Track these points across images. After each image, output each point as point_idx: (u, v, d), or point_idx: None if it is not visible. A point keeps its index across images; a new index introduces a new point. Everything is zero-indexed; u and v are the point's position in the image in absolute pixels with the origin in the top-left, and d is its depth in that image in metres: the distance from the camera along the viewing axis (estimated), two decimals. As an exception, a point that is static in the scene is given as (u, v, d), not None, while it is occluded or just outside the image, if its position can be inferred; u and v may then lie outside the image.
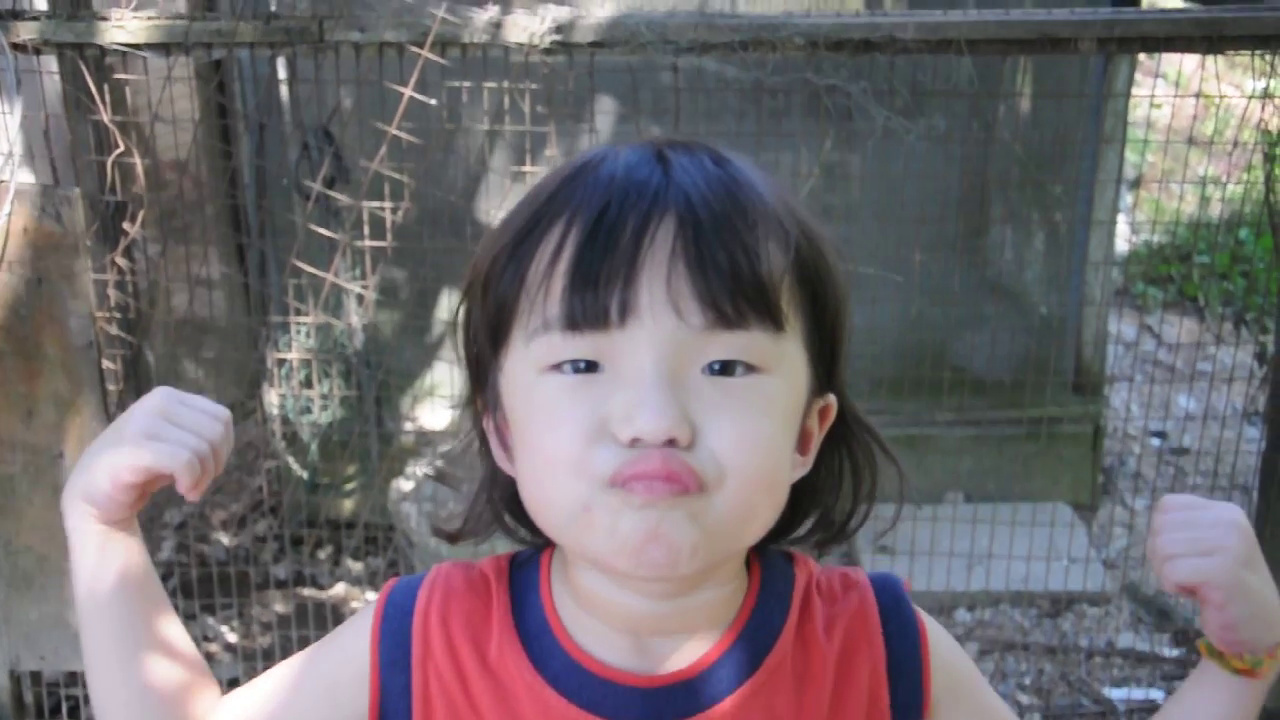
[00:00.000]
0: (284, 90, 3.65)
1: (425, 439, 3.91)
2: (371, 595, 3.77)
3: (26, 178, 2.72)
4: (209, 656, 1.09)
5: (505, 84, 2.84)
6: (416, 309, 4.05)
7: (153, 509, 3.73)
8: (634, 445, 0.89)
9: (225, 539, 4.02)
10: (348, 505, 4.12)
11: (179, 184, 3.28)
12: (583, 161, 0.98)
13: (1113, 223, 4.26)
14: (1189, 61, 2.96)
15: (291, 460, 3.59)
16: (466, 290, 1.02)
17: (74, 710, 3.09)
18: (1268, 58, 2.70)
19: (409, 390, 4.13)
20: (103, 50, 2.65)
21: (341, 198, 3.09)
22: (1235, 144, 3.08)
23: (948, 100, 3.50)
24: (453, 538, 1.11)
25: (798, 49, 2.64)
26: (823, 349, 1.00)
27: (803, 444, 1.01)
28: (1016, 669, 3.57)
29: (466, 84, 2.91)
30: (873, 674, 1.05)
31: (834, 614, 1.05)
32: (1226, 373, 3.57)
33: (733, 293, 0.91)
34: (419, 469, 3.57)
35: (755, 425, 0.92)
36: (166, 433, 1.03)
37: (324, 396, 3.47)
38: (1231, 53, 2.73)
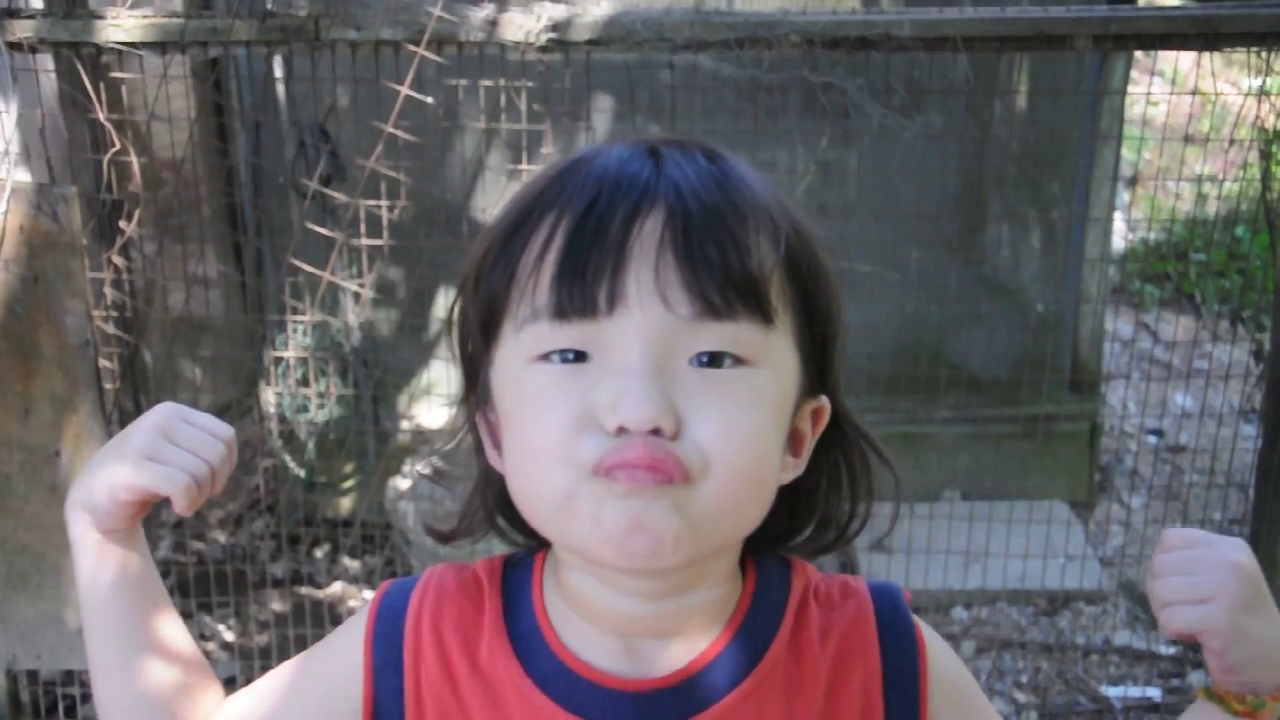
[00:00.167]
0: (280, 88, 3.64)
1: (422, 437, 3.91)
2: (368, 594, 3.77)
3: (23, 176, 2.72)
4: (206, 655, 1.10)
5: (502, 82, 2.83)
6: (413, 307, 4.05)
7: (151, 508, 3.72)
8: (620, 434, 0.89)
9: (222, 537, 4.02)
10: (345, 504, 4.12)
11: (175, 182, 3.28)
12: (575, 157, 0.98)
13: (1109, 220, 4.26)
14: (1186, 59, 2.96)
15: (289, 459, 3.59)
16: (460, 286, 1.03)
17: (70, 709, 3.09)
18: (1264, 55, 2.70)
19: (406, 389, 4.13)
20: (99, 48, 2.65)
21: (338, 196, 3.10)
22: (1232, 141, 3.08)
23: (944, 98, 3.50)
24: (446, 538, 1.11)
25: (794, 47, 2.64)
26: (814, 348, 1.00)
27: (795, 446, 1.01)
28: (1014, 667, 3.57)
29: (463, 82, 2.91)
30: (866, 685, 1.04)
31: (830, 622, 1.05)
32: (1223, 370, 3.57)
33: (721, 284, 0.91)
34: (416, 467, 3.57)
35: (742, 417, 0.91)
36: (166, 454, 1.03)
37: (321, 395, 3.47)
38: (1228, 50, 2.73)
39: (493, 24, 2.63)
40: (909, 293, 3.45)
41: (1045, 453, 4.19)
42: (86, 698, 3.09)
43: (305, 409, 3.51)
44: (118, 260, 2.92)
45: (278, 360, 3.33)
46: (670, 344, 0.91)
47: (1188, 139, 3.11)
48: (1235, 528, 3.72)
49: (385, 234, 2.95)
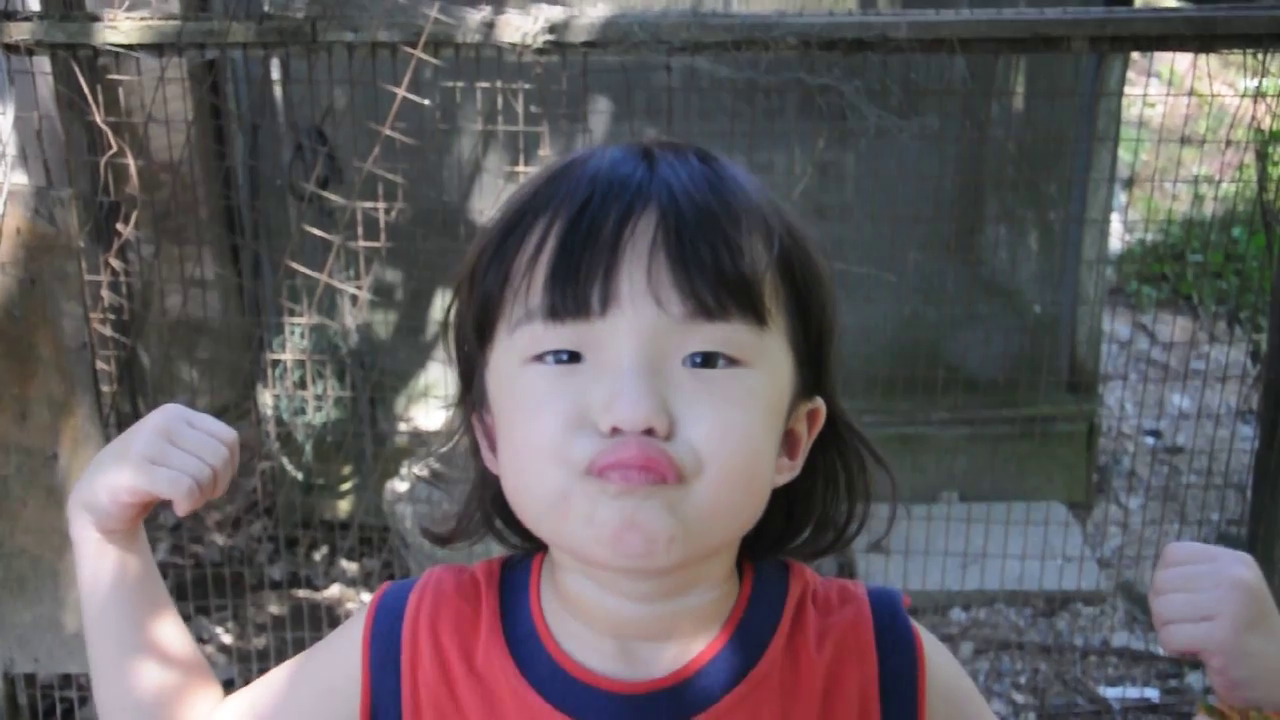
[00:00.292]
0: (277, 91, 3.64)
1: (420, 439, 3.91)
2: (366, 596, 3.77)
3: (20, 179, 2.71)
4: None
5: (499, 84, 2.84)
6: (410, 309, 4.05)
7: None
8: (613, 435, 0.89)
9: (220, 540, 4.02)
10: (343, 506, 4.12)
11: (173, 185, 3.28)
12: (569, 160, 0.99)
13: (1106, 221, 4.26)
14: (1182, 60, 2.97)
15: (286, 461, 3.59)
16: (455, 289, 1.03)
17: (68, 712, 3.08)
18: (1260, 56, 2.70)
19: (403, 391, 4.13)
20: (96, 51, 2.65)
21: (335, 198, 3.09)
22: (1228, 143, 3.08)
23: (941, 99, 3.50)
24: (444, 540, 1.11)
25: (791, 48, 2.64)
26: (809, 349, 1.00)
27: (791, 448, 1.01)
28: (1012, 668, 3.57)
29: (460, 84, 2.91)
30: (864, 690, 1.03)
31: (827, 626, 1.04)
32: (1220, 371, 3.58)
33: (714, 284, 0.91)
34: (414, 470, 3.57)
35: (735, 417, 0.92)
36: (169, 457, 1.04)
37: (318, 397, 3.47)
38: (1224, 51, 2.73)
39: (490, 26, 2.63)
40: (906, 294, 3.45)
41: (1043, 454, 4.19)
42: (85, 701, 3.09)
43: (303, 411, 3.51)
44: (115, 263, 2.91)
45: (275, 362, 3.32)
46: (663, 344, 0.91)
47: (1184, 140, 3.11)
48: (1233, 529, 3.72)
49: (383, 236, 2.95)
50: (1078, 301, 4.22)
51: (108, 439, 2.77)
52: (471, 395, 1.03)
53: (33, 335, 2.54)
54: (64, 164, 2.94)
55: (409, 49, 2.63)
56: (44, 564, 2.62)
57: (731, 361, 0.92)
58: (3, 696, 2.80)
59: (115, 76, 2.78)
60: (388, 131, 2.76)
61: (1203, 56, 2.75)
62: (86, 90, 2.67)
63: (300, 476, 3.68)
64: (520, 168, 2.97)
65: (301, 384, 3.45)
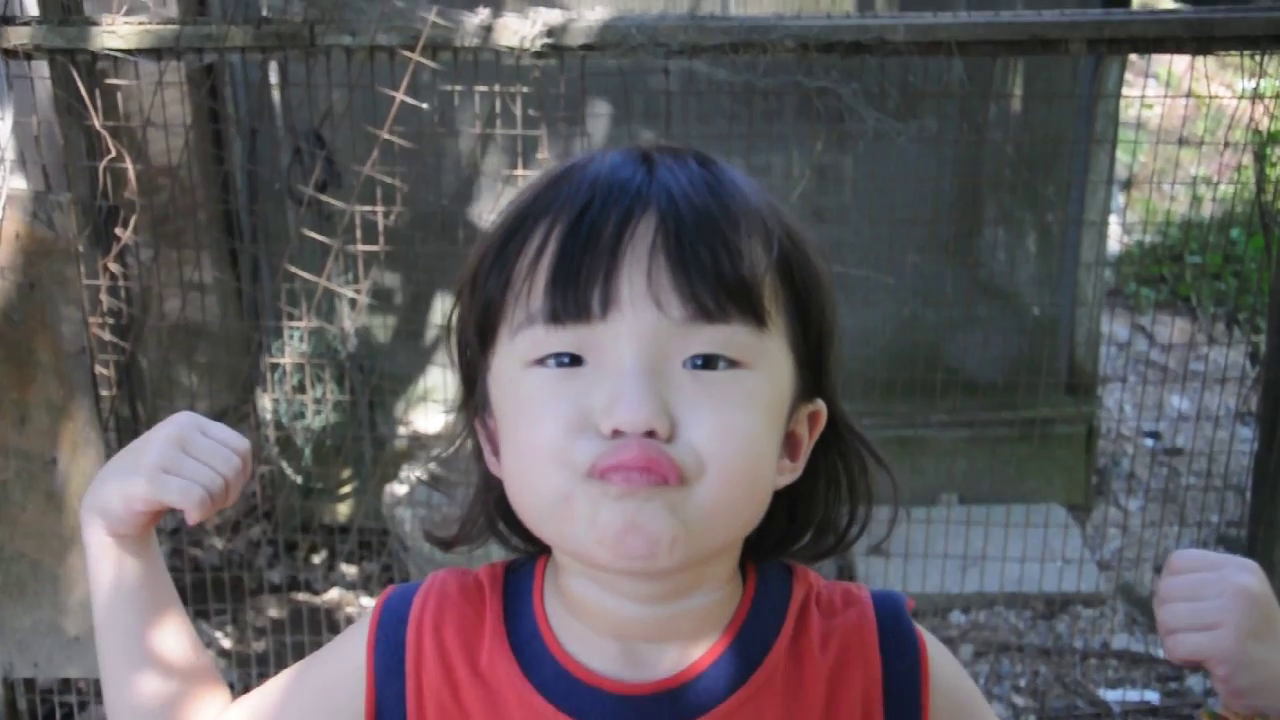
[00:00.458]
0: (275, 95, 3.64)
1: (419, 443, 3.90)
2: (366, 600, 3.77)
3: (19, 183, 2.71)
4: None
5: (497, 87, 2.84)
6: (409, 313, 4.05)
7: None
8: (615, 437, 0.89)
9: (219, 544, 4.02)
10: (342, 510, 4.12)
11: (171, 189, 3.28)
12: (568, 164, 0.99)
13: (1104, 223, 4.26)
14: (1180, 61, 2.97)
15: (285, 465, 3.59)
16: (457, 293, 1.03)
17: (68, 717, 3.08)
18: (1257, 58, 2.71)
19: (402, 394, 4.13)
20: (94, 55, 2.65)
21: (334, 202, 3.09)
22: (1226, 144, 3.08)
23: (939, 102, 3.50)
24: (447, 544, 1.12)
25: (788, 51, 2.64)
26: (809, 351, 1.00)
27: (793, 450, 1.01)
28: (1011, 671, 3.57)
29: (458, 88, 2.91)
30: (867, 692, 1.04)
31: (831, 628, 1.05)
32: (1219, 373, 3.58)
33: (714, 287, 0.91)
34: (413, 473, 3.57)
35: (736, 418, 0.92)
36: (182, 467, 1.04)
37: (317, 401, 3.47)
38: (1221, 53, 2.73)
39: (488, 29, 2.63)
40: (905, 297, 3.45)
41: (1042, 456, 4.19)
42: (84, 705, 3.09)
43: (302, 415, 3.51)
44: (114, 267, 2.91)
45: (274, 366, 3.32)
46: (664, 347, 0.91)
47: (1182, 142, 3.12)
48: (1232, 530, 3.72)
49: (381, 240, 2.95)
50: (1076, 303, 4.22)
51: (107, 444, 2.77)
52: (474, 400, 1.04)
53: (31, 340, 2.54)
54: (63, 168, 2.94)
55: (407, 53, 2.64)
56: (43, 568, 2.62)
57: (732, 363, 0.93)
58: (2, 701, 2.80)
59: (114, 81, 2.78)
60: (386, 135, 2.76)
61: (1200, 58, 2.75)
62: (85, 95, 2.67)
63: (299, 480, 3.68)
64: (519, 171, 2.97)
65: (301, 388, 3.44)
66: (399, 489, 3.54)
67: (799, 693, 1.01)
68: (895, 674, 1.05)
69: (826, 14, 2.94)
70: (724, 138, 3.14)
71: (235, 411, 3.72)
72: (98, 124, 2.71)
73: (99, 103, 2.72)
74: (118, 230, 2.89)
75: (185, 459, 1.05)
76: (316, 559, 4.00)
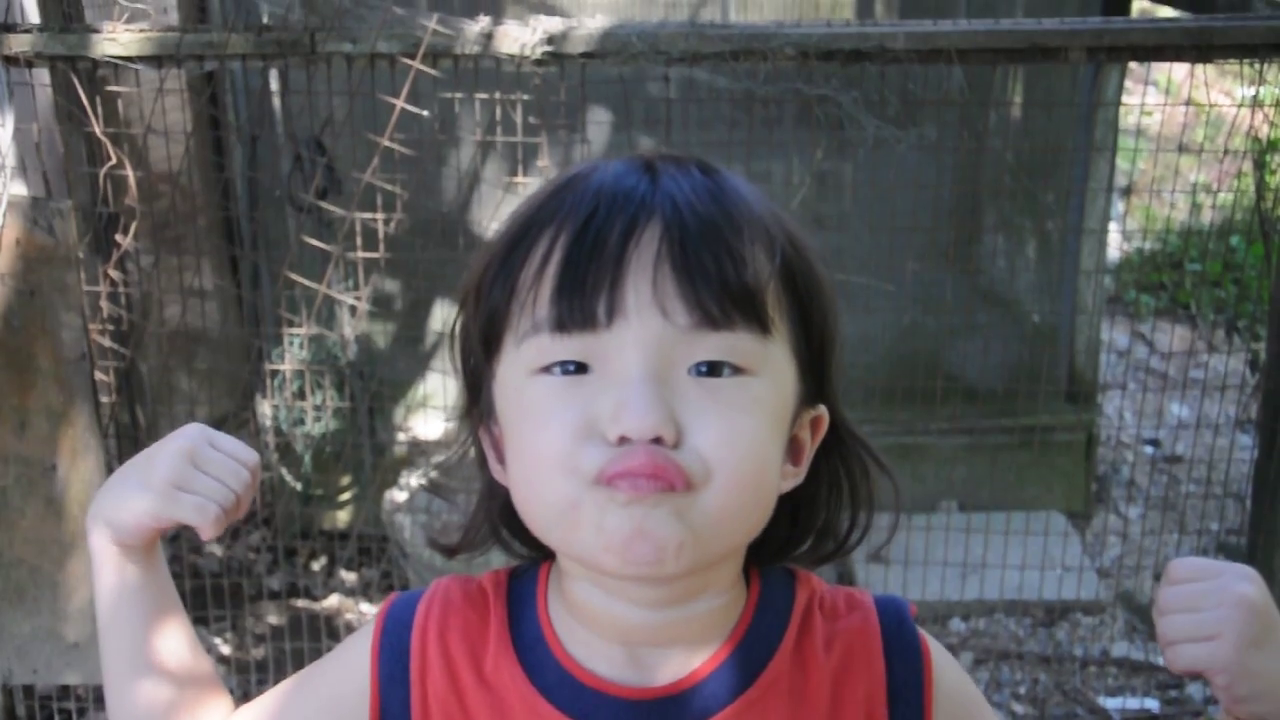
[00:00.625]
0: (276, 102, 3.65)
1: (419, 450, 3.90)
2: (365, 606, 3.76)
3: (19, 190, 2.72)
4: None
5: (497, 95, 2.84)
6: (409, 320, 4.05)
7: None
8: (621, 444, 0.90)
9: (219, 551, 4.02)
10: (342, 516, 4.11)
11: (172, 196, 3.28)
12: (572, 173, 1.00)
13: (1104, 231, 4.27)
14: (1179, 69, 2.97)
15: (285, 472, 3.59)
16: (460, 302, 1.04)
17: (67, 723, 3.08)
18: (1257, 65, 2.71)
19: (402, 401, 4.13)
20: (95, 63, 2.65)
21: (334, 209, 3.10)
22: (1226, 151, 3.08)
23: (939, 109, 3.50)
24: (450, 551, 1.12)
25: (789, 59, 2.65)
26: (812, 357, 1.01)
27: (795, 455, 1.02)
28: (1011, 679, 3.57)
29: (458, 95, 2.92)
30: (870, 696, 1.04)
31: (834, 632, 1.05)
32: (1219, 380, 3.58)
33: (718, 294, 0.92)
34: (413, 480, 3.57)
35: (742, 424, 0.92)
36: (194, 483, 1.05)
37: (317, 408, 3.47)
38: (1221, 61, 2.74)
39: (488, 37, 2.63)
40: (905, 304, 3.46)
41: (1042, 463, 4.19)
42: (83, 712, 3.09)
43: (302, 422, 3.51)
44: (114, 274, 2.92)
45: (274, 373, 3.32)
46: (669, 354, 0.92)
47: (1182, 149, 3.12)
48: (1232, 538, 3.72)
49: (381, 247, 2.95)
50: (1076, 311, 4.22)
51: (107, 450, 2.77)
52: (478, 407, 1.04)
53: (32, 346, 2.54)
54: (63, 175, 2.94)
55: (408, 60, 2.64)
56: (43, 575, 2.62)
57: (736, 370, 0.93)
58: (1, 708, 2.79)
59: (114, 88, 2.79)
60: (386, 142, 2.76)
61: (1200, 66, 2.76)
62: (86, 102, 2.68)
63: (299, 487, 3.68)
64: (519, 178, 2.98)
65: (300, 394, 3.44)
66: (399, 495, 3.54)
67: (803, 696, 1.02)
68: (899, 678, 1.05)
69: (826, 22, 2.94)
70: (724, 145, 3.15)
71: (235, 418, 3.72)
72: (98, 131, 2.72)
73: (100, 109, 2.72)
74: (118, 237, 2.90)
75: (197, 474, 1.05)
76: (316, 565, 4.00)
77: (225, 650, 3.53)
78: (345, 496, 4.10)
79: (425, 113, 2.83)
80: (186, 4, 3.60)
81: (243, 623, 3.65)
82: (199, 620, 3.49)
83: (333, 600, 3.84)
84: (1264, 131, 2.94)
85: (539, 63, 2.65)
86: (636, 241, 0.92)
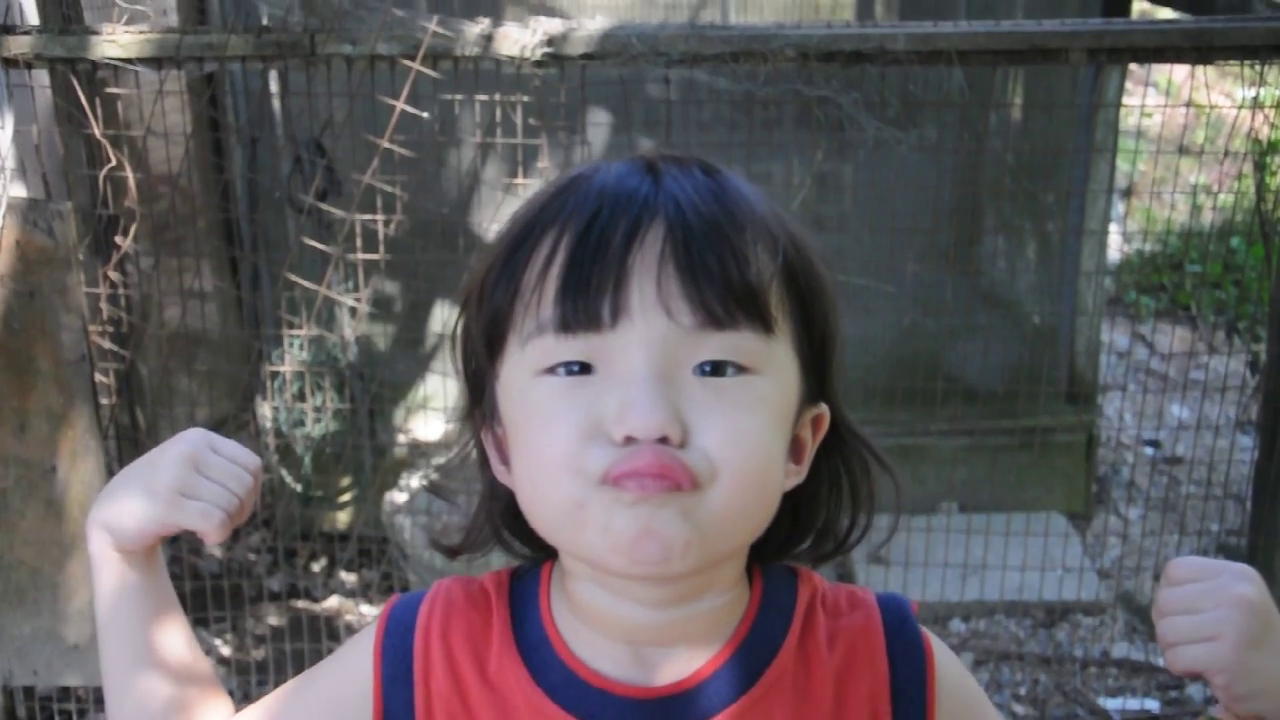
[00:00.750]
0: (276, 103, 3.65)
1: (419, 451, 3.90)
2: (365, 608, 3.76)
3: (18, 191, 2.72)
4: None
5: (497, 96, 2.84)
6: (409, 321, 4.05)
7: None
8: (627, 444, 0.90)
9: (218, 552, 4.01)
10: (342, 518, 4.11)
11: (171, 197, 3.28)
12: (575, 174, 1.00)
13: (1105, 232, 4.27)
14: (1179, 70, 2.97)
15: (285, 473, 3.59)
16: (462, 303, 1.04)
17: (67, 725, 3.08)
18: (1257, 67, 2.71)
19: (402, 402, 4.13)
20: (94, 64, 2.65)
21: (334, 210, 3.10)
22: (1226, 153, 3.08)
23: (939, 111, 3.50)
24: (453, 552, 1.12)
25: (789, 60, 2.65)
26: (813, 356, 1.01)
27: (797, 453, 1.02)
28: (1012, 679, 3.57)
29: (458, 97, 2.92)
30: (874, 693, 1.04)
31: (837, 629, 1.05)
32: (1219, 381, 3.58)
33: (722, 294, 0.92)
34: (413, 481, 3.57)
35: (746, 423, 0.93)
36: (199, 489, 1.05)
37: (317, 409, 3.47)
38: (1221, 62, 2.73)
39: (488, 39, 2.63)
40: (905, 305, 3.46)
41: (1042, 464, 4.19)
42: (84, 713, 3.09)
43: (302, 423, 3.51)
44: (113, 275, 2.92)
45: (274, 375, 3.32)
46: (674, 354, 0.92)
47: (1182, 150, 3.12)
48: (1232, 539, 3.72)
49: (381, 248, 2.95)
50: (1076, 312, 4.22)
51: (106, 452, 2.77)
52: (480, 408, 1.04)
53: (31, 348, 2.54)
54: (63, 177, 2.94)
55: (408, 62, 2.64)
56: (43, 576, 2.62)
57: (741, 369, 0.94)
58: (2, 709, 2.79)
59: (114, 90, 2.78)
60: (386, 144, 2.76)
61: (1200, 67, 2.76)
62: (85, 103, 2.68)
63: (299, 488, 3.68)
64: (519, 180, 2.97)
65: (300, 396, 3.44)
66: (399, 497, 3.54)
67: (807, 694, 1.02)
68: (902, 675, 1.05)
69: (827, 23, 2.94)
70: (724, 146, 3.15)
71: (235, 419, 3.72)
72: (98, 133, 2.72)
73: (99, 111, 2.72)
74: (118, 238, 2.90)
75: (200, 480, 1.05)
76: (316, 567, 4.00)
77: (225, 651, 3.53)
78: (345, 498, 4.10)
79: (425, 114, 2.83)
80: (186, 6, 3.60)
81: (243, 624, 3.65)
82: (199, 621, 3.49)
83: (333, 602, 3.84)
84: (1264, 133, 2.94)
85: (539, 64, 2.64)
86: (640, 242, 0.92)
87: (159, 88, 2.75)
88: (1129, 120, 4.26)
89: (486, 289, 0.99)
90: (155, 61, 2.65)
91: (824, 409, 1.03)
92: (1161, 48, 2.70)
